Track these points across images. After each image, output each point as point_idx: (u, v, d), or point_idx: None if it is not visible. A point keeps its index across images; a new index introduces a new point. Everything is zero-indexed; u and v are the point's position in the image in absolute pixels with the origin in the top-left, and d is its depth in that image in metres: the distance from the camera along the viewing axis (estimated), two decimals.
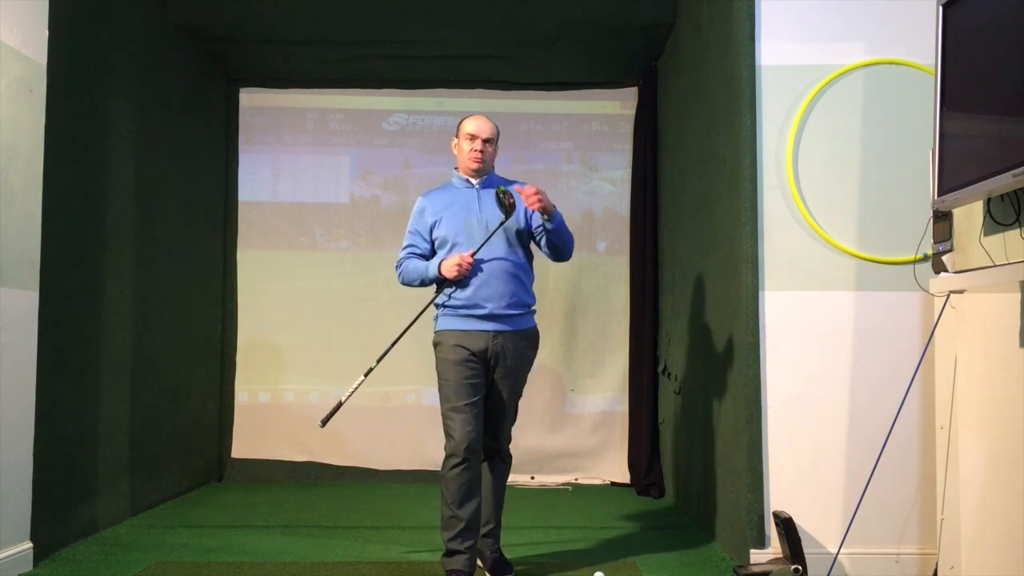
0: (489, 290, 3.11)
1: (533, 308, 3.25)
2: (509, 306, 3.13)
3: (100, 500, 3.91)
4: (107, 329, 4.00)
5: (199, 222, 5.22)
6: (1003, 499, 2.49)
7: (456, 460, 3.04)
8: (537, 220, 3.19)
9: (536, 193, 3.02)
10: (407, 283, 3.26)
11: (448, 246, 3.17)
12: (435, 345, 3.19)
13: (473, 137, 3.19)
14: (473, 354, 3.10)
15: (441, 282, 3.16)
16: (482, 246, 3.09)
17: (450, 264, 3.06)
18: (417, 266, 3.20)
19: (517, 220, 3.18)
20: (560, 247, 3.22)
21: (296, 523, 4.19)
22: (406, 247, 3.26)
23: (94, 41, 3.86)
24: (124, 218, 4.17)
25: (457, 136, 3.26)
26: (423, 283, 3.21)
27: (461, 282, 3.11)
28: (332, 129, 5.74)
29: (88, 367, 3.82)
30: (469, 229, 3.15)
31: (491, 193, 3.17)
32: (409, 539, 3.84)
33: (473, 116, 3.25)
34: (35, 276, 3.34)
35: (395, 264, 3.30)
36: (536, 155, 5.62)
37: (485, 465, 3.25)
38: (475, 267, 3.09)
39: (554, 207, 3.12)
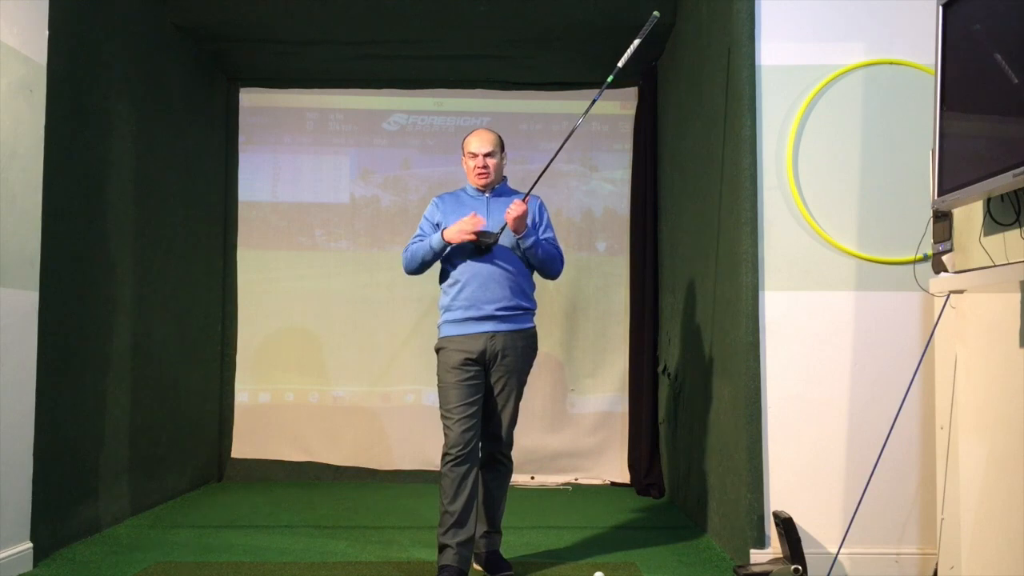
0: (489, 293, 3.14)
1: (532, 310, 3.27)
2: (507, 308, 3.16)
3: (100, 500, 3.91)
4: (107, 329, 4.00)
5: (199, 222, 5.22)
6: (1003, 499, 2.49)
7: (451, 457, 3.08)
8: (542, 233, 3.26)
9: (513, 212, 3.07)
10: (410, 265, 3.24)
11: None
12: (437, 351, 3.23)
13: (475, 155, 3.22)
14: (472, 357, 3.12)
15: (444, 260, 3.18)
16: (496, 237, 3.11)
17: (454, 229, 3.09)
18: (421, 244, 3.21)
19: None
20: (540, 267, 3.26)
21: (296, 523, 4.19)
22: (414, 237, 3.28)
23: (94, 41, 3.85)
24: (124, 218, 4.17)
25: (463, 154, 3.29)
26: (424, 259, 3.19)
27: (465, 284, 3.13)
28: (332, 129, 5.74)
29: (88, 367, 3.82)
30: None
31: (500, 201, 3.24)
32: (409, 539, 3.84)
33: (473, 133, 3.27)
34: (35, 276, 3.34)
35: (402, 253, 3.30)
36: (536, 155, 5.60)
37: (485, 470, 3.25)
38: (486, 252, 3.12)
39: (529, 230, 3.14)
